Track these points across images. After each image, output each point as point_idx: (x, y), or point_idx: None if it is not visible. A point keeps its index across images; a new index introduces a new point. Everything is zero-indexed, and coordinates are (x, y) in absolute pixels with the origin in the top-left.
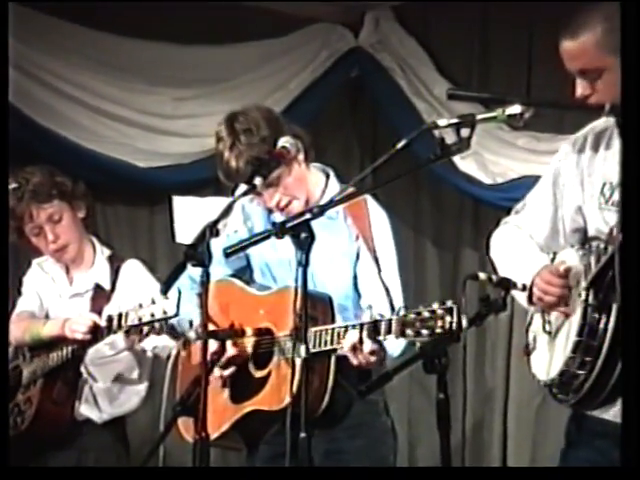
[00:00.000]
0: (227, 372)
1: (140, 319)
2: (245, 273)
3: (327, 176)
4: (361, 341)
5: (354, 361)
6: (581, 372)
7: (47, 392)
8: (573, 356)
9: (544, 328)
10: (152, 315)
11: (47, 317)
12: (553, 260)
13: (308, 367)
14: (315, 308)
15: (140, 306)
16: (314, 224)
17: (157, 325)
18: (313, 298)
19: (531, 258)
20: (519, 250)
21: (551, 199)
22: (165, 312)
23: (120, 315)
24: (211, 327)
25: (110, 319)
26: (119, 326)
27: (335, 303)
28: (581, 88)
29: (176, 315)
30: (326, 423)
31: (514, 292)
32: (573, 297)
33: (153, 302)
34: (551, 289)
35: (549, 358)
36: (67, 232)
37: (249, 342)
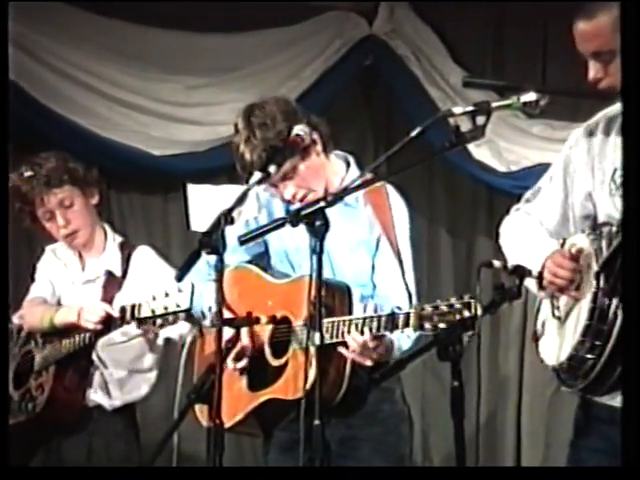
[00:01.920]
0: (240, 364)
1: (153, 311)
2: (263, 259)
3: (347, 164)
4: (365, 342)
5: (359, 359)
6: (590, 356)
7: (59, 379)
8: (583, 340)
9: (553, 313)
10: (165, 308)
11: (59, 304)
12: (563, 246)
13: (325, 356)
14: (333, 297)
15: (154, 298)
16: (333, 211)
17: (170, 318)
18: (331, 287)
19: (541, 243)
20: (528, 236)
21: (562, 186)
22: (178, 305)
23: (133, 307)
24: (226, 314)
25: (123, 310)
26: (132, 317)
27: (353, 291)
28: (594, 71)
29: (189, 309)
30: (343, 411)
31: (527, 280)
32: (583, 281)
33: (167, 295)
34: (562, 272)
35: (558, 343)
36: (78, 217)
37: (265, 331)
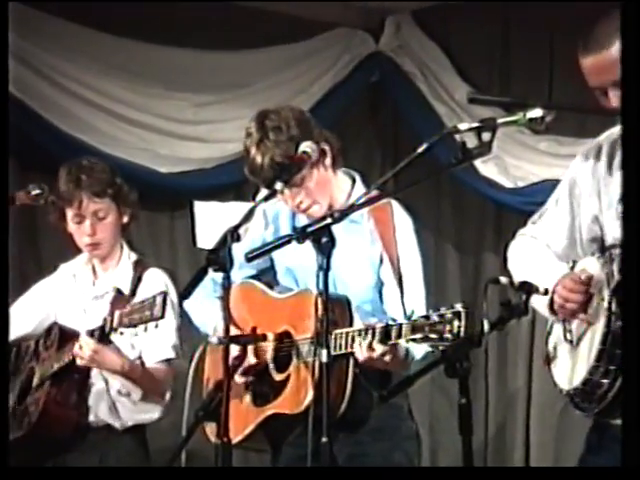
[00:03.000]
0: (244, 379)
1: (130, 322)
2: (269, 274)
3: (353, 181)
4: (371, 345)
5: (367, 364)
6: (605, 381)
7: (52, 394)
8: (597, 365)
9: (565, 337)
10: (140, 319)
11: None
12: (573, 268)
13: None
14: (333, 310)
15: (129, 309)
16: (338, 227)
17: (143, 327)
18: (331, 300)
19: (550, 267)
20: (537, 260)
21: (568, 209)
22: (152, 315)
23: (112, 318)
24: (233, 331)
25: (104, 320)
26: (111, 329)
27: (356, 306)
28: (616, 99)
29: (162, 317)
30: (348, 426)
31: (534, 301)
32: (594, 305)
33: (142, 305)
34: (573, 296)
35: (571, 367)
36: (105, 231)
37: (269, 346)
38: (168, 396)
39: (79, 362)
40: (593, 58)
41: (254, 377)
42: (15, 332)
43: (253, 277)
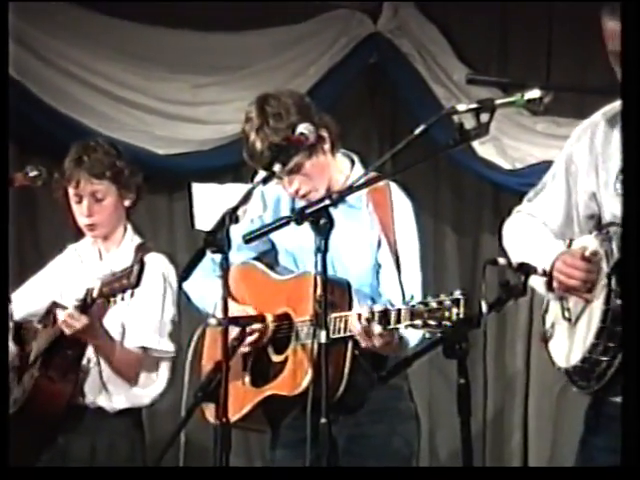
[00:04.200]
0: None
1: (111, 291)
2: (270, 256)
3: (352, 163)
4: (368, 326)
5: (363, 344)
6: (604, 358)
7: (44, 369)
8: (596, 342)
9: (563, 315)
10: (119, 287)
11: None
12: (569, 246)
13: (325, 353)
14: (333, 293)
15: (109, 279)
16: (337, 212)
17: (121, 296)
18: (331, 283)
19: (547, 244)
20: (534, 237)
21: (564, 186)
22: (129, 283)
23: (93, 288)
24: (233, 312)
25: (86, 291)
26: (92, 299)
27: (356, 289)
28: None
29: (137, 286)
30: (347, 407)
31: (532, 279)
32: (595, 282)
33: (121, 274)
34: (576, 273)
35: (569, 345)
36: (103, 213)
37: (269, 327)
38: (162, 382)
39: (65, 330)
40: (610, 24)
41: (253, 353)
42: (23, 311)
43: (254, 259)
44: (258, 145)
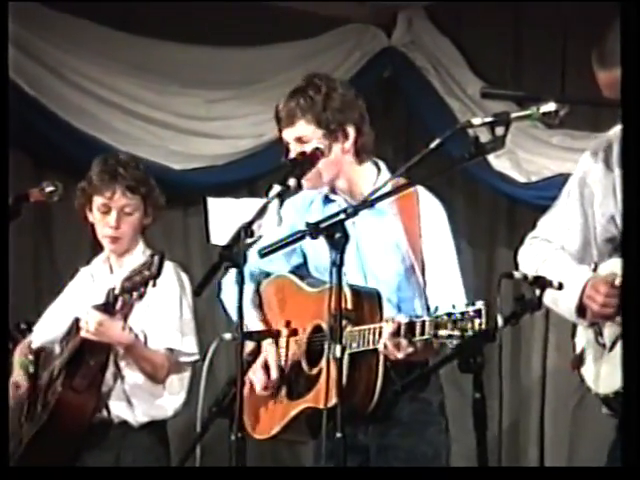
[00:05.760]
0: (273, 376)
1: (133, 285)
2: (303, 269)
3: (378, 170)
4: (396, 339)
5: (391, 356)
6: None
7: (68, 380)
8: None
9: (597, 340)
10: (141, 280)
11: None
12: (595, 271)
13: (355, 366)
14: (362, 305)
15: (129, 274)
16: (365, 219)
17: (142, 289)
18: (361, 295)
19: (572, 271)
20: (556, 264)
21: (579, 210)
22: (150, 274)
23: (115, 287)
24: (261, 326)
25: (108, 291)
26: (115, 297)
27: (387, 298)
28: None
29: (158, 275)
30: (379, 419)
31: (549, 302)
32: None
33: (141, 267)
34: (611, 301)
35: (608, 372)
36: (127, 227)
37: (303, 340)
38: (168, 384)
39: (84, 334)
40: (609, 73)
41: (288, 371)
42: (42, 339)
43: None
44: (322, 108)
